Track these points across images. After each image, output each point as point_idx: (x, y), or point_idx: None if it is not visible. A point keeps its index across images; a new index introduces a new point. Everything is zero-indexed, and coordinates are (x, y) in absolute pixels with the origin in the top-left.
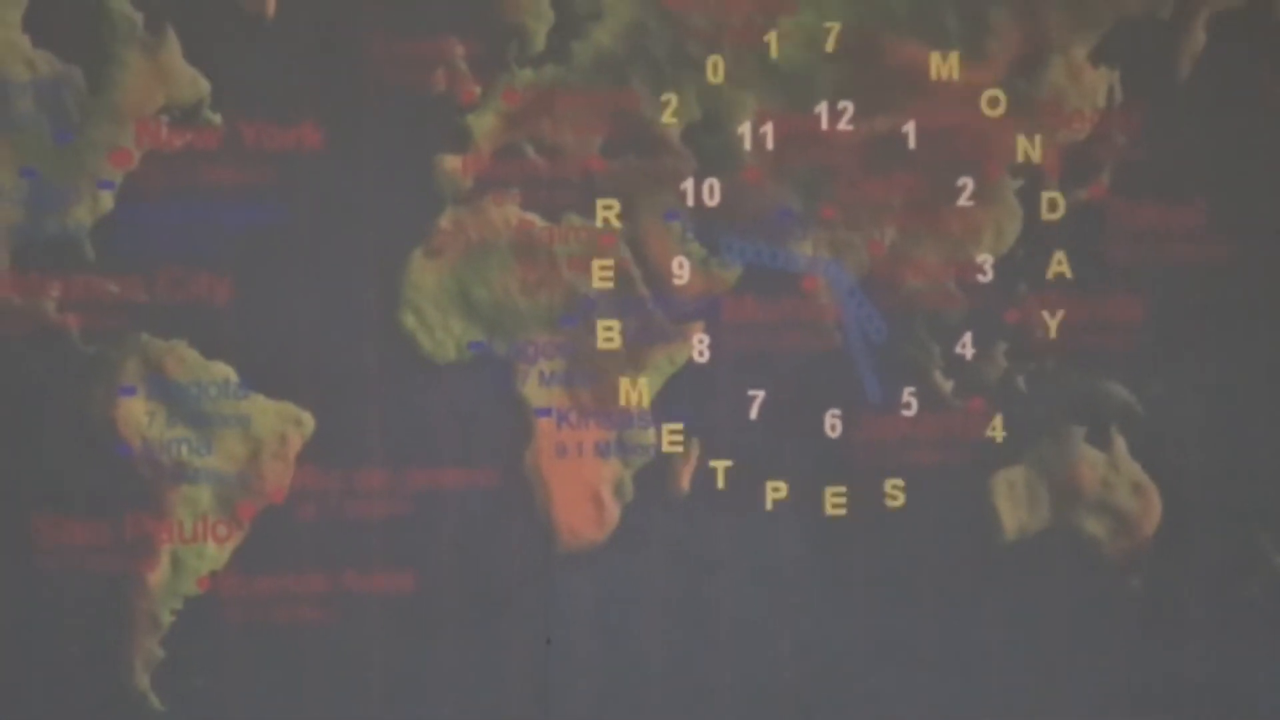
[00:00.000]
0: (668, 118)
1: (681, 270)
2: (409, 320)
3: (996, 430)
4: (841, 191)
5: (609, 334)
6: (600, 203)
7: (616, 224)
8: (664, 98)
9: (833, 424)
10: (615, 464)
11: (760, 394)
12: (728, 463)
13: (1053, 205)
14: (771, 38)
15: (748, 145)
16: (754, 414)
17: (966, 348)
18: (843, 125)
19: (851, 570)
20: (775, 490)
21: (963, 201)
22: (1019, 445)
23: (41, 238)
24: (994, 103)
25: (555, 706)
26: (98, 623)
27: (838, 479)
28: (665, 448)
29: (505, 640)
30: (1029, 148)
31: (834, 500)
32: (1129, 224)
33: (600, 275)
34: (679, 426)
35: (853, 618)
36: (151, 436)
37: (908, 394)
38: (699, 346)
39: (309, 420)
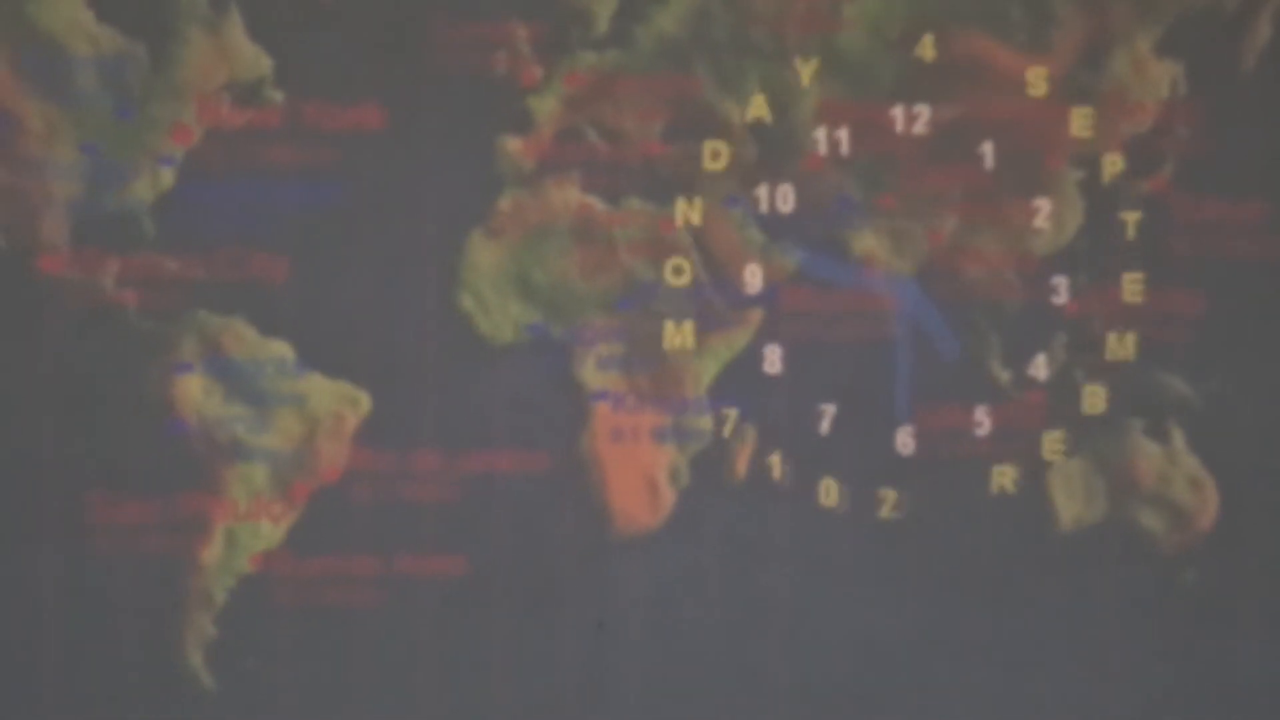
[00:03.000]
0: (730, 105)
1: (740, 256)
2: (466, 302)
3: (1053, 421)
4: (903, 181)
5: (673, 325)
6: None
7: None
8: (727, 84)
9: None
10: (671, 449)
11: (819, 381)
12: (784, 452)
13: (1114, 197)
14: (837, 25)
15: (811, 133)
16: (812, 402)
17: (1025, 338)
18: (907, 114)
19: (906, 560)
20: (831, 479)
21: (1022, 191)
22: (1076, 437)
23: (101, 213)
24: (1056, 92)
25: (607, 692)
26: (151, 600)
27: (895, 468)
28: (722, 434)
29: (557, 625)
30: (1090, 139)
31: (890, 490)
32: (1192, 217)
33: (658, 260)
34: (735, 413)
35: (906, 607)
36: (207, 414)
37: (966, 385)
38: (758, 333)
39: (365, 400)
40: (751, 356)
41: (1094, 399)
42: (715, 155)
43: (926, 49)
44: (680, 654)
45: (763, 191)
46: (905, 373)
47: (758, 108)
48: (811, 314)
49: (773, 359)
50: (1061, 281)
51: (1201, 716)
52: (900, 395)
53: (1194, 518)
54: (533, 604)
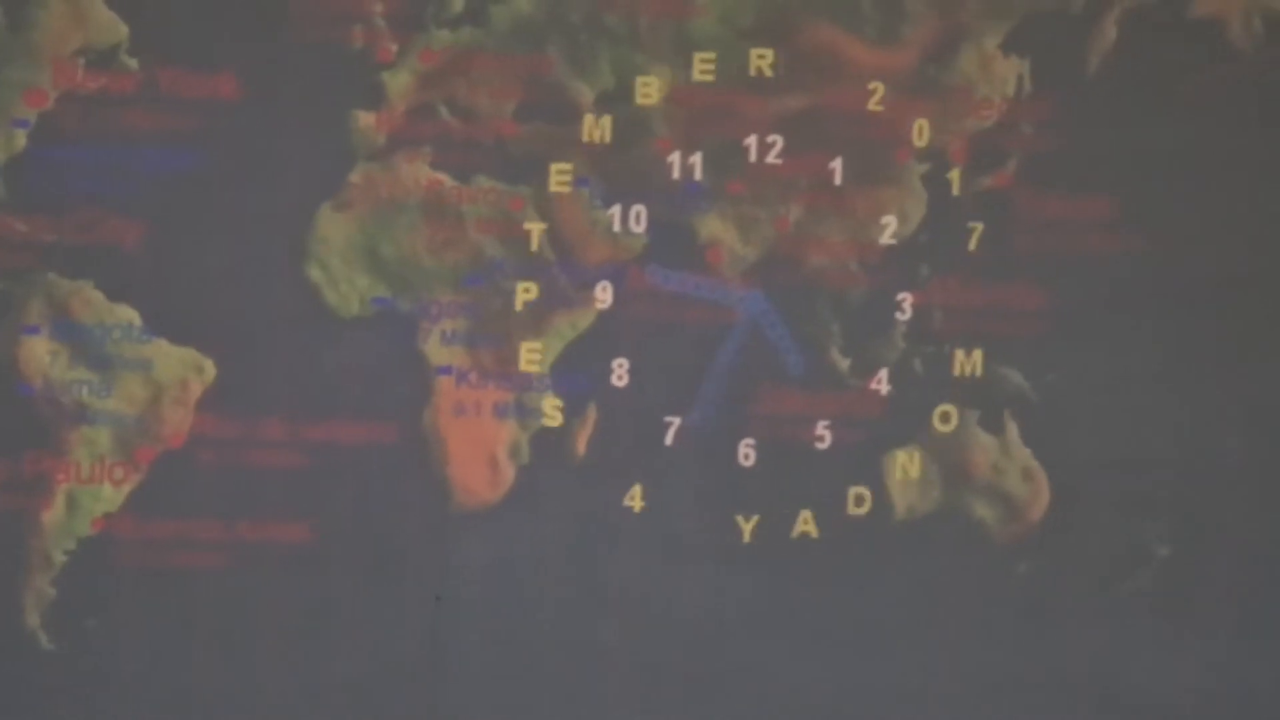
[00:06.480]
0: (582, 86)
1: (588, 237)
2: (315, 273)
3: (890, 411)
4: (750, 168)
5: (523, 294)
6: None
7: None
8: (580, 66)
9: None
10: (512, 426)
11: (661, 363)
12: (624, 430)
13: (957, 191)
14: (689, 12)
15: (660, 116)
16: (653, 383)
17: (865, 327)
18: (755, 101)
19: (743, 543)
20: (670, 456)
21: (868, 183)
22: (913, 426)
23: None
24: (903, 86)
25: (446, 662)
26: None
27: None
28: (561, 413)
29: (398, 595)
30: (937, 133)
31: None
32: (1034, 213)
33: (506, 238)
34: (576, 393)
35: (743, 588)
36: (53, 376)
37: (806, 370)
38: (602, 313)
39: (210, 368)
40: (596, 336)
41: (932, 390)
42: (566, 135)
43: (778, 38)
44: (517, 628)
45: (616, 210)
46: (722, 371)
47: (608, 90)
48: (657, 294)
49: (618, 340)
50: (904, 272)
51: (1029, 702)
52: (705, 404)
53: (1025, 509)
54: (373, 573)
